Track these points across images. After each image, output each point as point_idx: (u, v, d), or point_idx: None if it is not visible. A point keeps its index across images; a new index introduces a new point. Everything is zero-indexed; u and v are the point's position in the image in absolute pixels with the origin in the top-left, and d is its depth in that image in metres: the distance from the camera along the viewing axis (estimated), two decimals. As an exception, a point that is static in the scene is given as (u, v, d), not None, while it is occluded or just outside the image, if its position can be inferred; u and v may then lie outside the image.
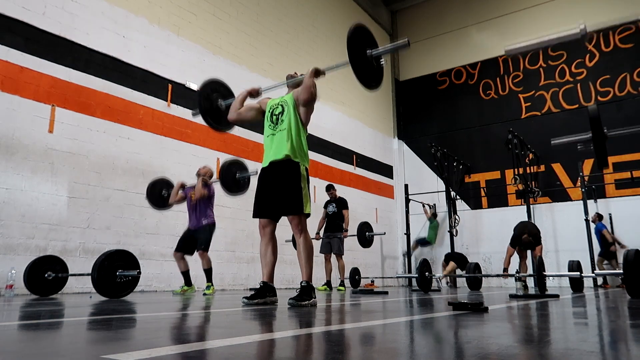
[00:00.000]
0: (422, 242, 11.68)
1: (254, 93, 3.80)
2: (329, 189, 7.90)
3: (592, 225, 9.77)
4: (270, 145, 3.52)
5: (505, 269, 7.40)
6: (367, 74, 3.30)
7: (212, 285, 5.83)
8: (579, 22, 3.12)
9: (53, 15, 5.95)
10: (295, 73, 3.78)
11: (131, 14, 6.88)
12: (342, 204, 7.76)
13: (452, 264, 9.86)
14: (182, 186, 6.03)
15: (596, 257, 9.65)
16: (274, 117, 3.57)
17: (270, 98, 3.81)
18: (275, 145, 3.48)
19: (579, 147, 8.18)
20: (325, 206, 7.84)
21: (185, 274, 5.83)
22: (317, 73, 3.46)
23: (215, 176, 6.12)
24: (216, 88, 4.16)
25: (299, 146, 3.47)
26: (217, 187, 5.97)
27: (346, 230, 7.71)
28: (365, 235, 8.39)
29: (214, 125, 4.12)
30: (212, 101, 4.07)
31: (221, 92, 4.15)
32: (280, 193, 3.43)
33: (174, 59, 7.43)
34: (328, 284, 7.55)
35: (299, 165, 3.44)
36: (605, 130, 3.19)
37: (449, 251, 11.24)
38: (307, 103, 3.48)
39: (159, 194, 6.02)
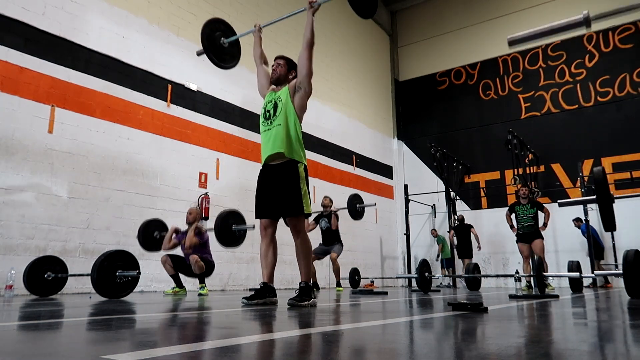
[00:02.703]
0: (448, 260, 11.53)
1: (260, 30, 3.99)
2: (325, 199, 7.68)
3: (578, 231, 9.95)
4: (267, 141, 3.50)
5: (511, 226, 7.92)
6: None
7: (205, 285, 5.76)
8: (583, 12, 3.08)
9: (53, 15, 5.95)
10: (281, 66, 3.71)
11: (131, 14, 6.88)
12: (334, 217, 7.61)
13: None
14: (176, 231, 5.73)
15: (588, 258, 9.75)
16: (267, 113, 3.55)
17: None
18: (271, 140, 3.46)
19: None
20: (317, 220, 7.55)
21: (175, 277, 5.73)
22: (313, 5, 3.58)
23: (203, 214, 5.85)
24: (218, 27, 4.19)
25: (295, 140, 3.44)
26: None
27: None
28: (356, 207, 8.18)
29: (218, 63, 4.15)
30: (214, 40, 4.10)
31: (223, 30, 4.19)
32: (279, 195, 3.42)
33: (174, 59, 7.43)
34: (315, 285, 7.48)
35: (297, 166, 3.42)
36: (613, 195, 3.02)
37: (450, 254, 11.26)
38: (310, 46, 3.51)
39: (152, 235, 5.68)
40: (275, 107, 3.52)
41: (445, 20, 13.55)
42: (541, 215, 7.73)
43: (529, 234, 7.67)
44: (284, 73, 3.64)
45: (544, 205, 7.87)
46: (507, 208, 8.13)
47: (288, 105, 3.48)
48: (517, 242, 7.88)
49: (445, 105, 13.17)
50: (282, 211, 3.45)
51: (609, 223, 3.01)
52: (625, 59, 10.89)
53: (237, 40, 4.23)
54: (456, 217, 11.22)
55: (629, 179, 9.77)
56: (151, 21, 7.16)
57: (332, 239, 7.56)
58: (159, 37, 7.24)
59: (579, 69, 11.35)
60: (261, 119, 3.61)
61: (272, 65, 3.70)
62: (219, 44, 4.10)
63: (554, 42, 11.80)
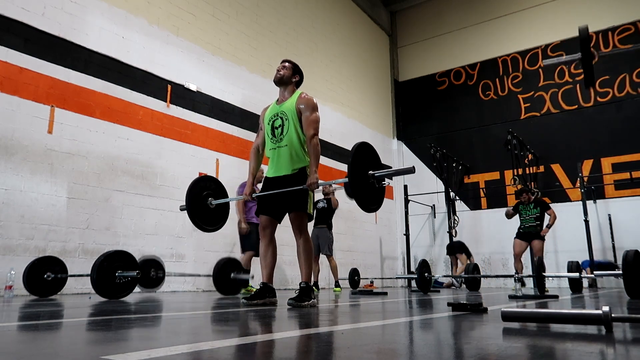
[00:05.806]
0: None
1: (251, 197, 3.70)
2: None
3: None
4: (273, 160, 3.56)
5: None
6: (367, 195, 3.16)
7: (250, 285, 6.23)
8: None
9: (52, 15, 5.94)
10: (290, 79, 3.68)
11: (130, 14, 6.88)
12: (332, 202, 7.51)
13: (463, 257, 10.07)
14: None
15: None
16: (275, 130, 3.56)
17: (267, 108, 3.76)
18: (276, 162, 3.52)
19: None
20: (315, 203, 7.44)
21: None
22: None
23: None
24: (206, 186, 3.92)
25: (302, 156, 3.49)
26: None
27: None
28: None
29: (202, 226, 3.87)
30: (202, 200, 3.83)
31: (212, 189, 3.92)
32: (286, 192, 3.44)
33: (174, 60, 7.42)
34: (315, 285, 7.46)
35: (304, 168, 3.48)
36: (594, 51, 3.40)
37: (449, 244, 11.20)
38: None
39: (148, 274, 5.66)
40: (282, 123, 3.52)
41: (445, 21, 13.56)
42: (546, 217, 7.57)
43: (529, 233, 7.57)
44: (289, 75, 3.66)
45: (550, 205, 7.73)
46: (512, 207, 8.02)
47: (294, 124, 3.48)
48: (514, 238, 7.76)
49: (444, 106, 13.17)
50: (288, 206, 3.46)
51: (589, 78, 3.39)
52: (625, 59, 10.89)
53: (225, 203, 3.96)
54: None
55: (629, 179, 9.78)
56: (151, 21, 7.16)
57: (325, 221, 7.44)
58: (158, 38, 7.24)
59: (579, 69, 11.33)
60: (268, 134, 3.61)
61: (278, 67, 3.72)
62: (206, 205, 3.84)
63: (554, 42, 11.81)
